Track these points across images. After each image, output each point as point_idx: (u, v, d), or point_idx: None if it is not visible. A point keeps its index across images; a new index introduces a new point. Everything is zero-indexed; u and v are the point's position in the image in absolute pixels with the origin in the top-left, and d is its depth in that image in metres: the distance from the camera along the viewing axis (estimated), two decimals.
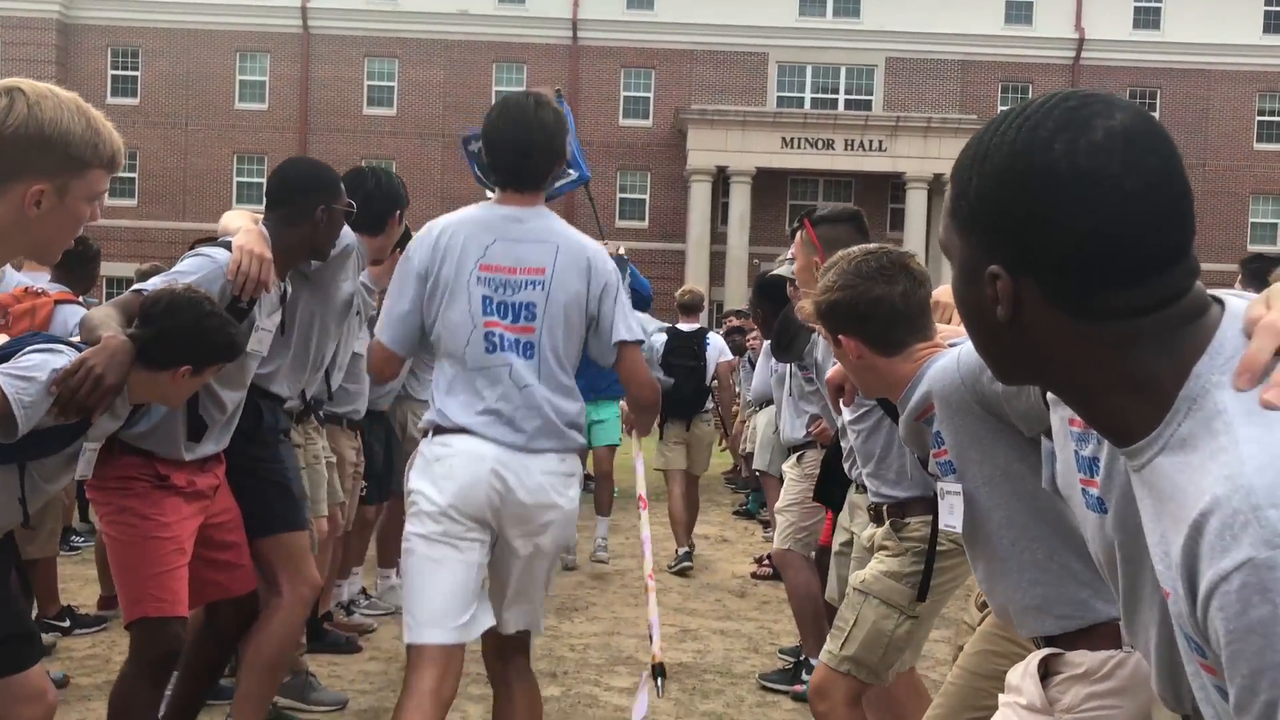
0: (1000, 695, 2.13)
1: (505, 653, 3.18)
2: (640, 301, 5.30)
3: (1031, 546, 2.09)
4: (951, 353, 2.20)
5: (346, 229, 3.69)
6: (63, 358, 2.60)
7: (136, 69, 31.65)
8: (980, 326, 1.17)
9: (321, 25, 31.59)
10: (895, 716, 3.37)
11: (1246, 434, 0.98)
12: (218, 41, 31.53)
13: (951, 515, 2.17)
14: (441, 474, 2.96)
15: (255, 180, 31.59)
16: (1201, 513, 0.97)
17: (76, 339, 2.81)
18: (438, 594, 2.94)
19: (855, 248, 2.60)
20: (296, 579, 3.54)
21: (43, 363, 2.56)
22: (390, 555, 6.15)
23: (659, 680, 3.89)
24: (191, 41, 31.42)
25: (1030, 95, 32.18)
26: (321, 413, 4.66)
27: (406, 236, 4.00)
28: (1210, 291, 1.13)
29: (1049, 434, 1.44)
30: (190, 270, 3.18)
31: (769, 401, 6.77)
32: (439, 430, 3.02)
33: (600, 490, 7.82)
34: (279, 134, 31.46)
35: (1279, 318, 1.03)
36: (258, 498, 3.49)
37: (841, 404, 2.92)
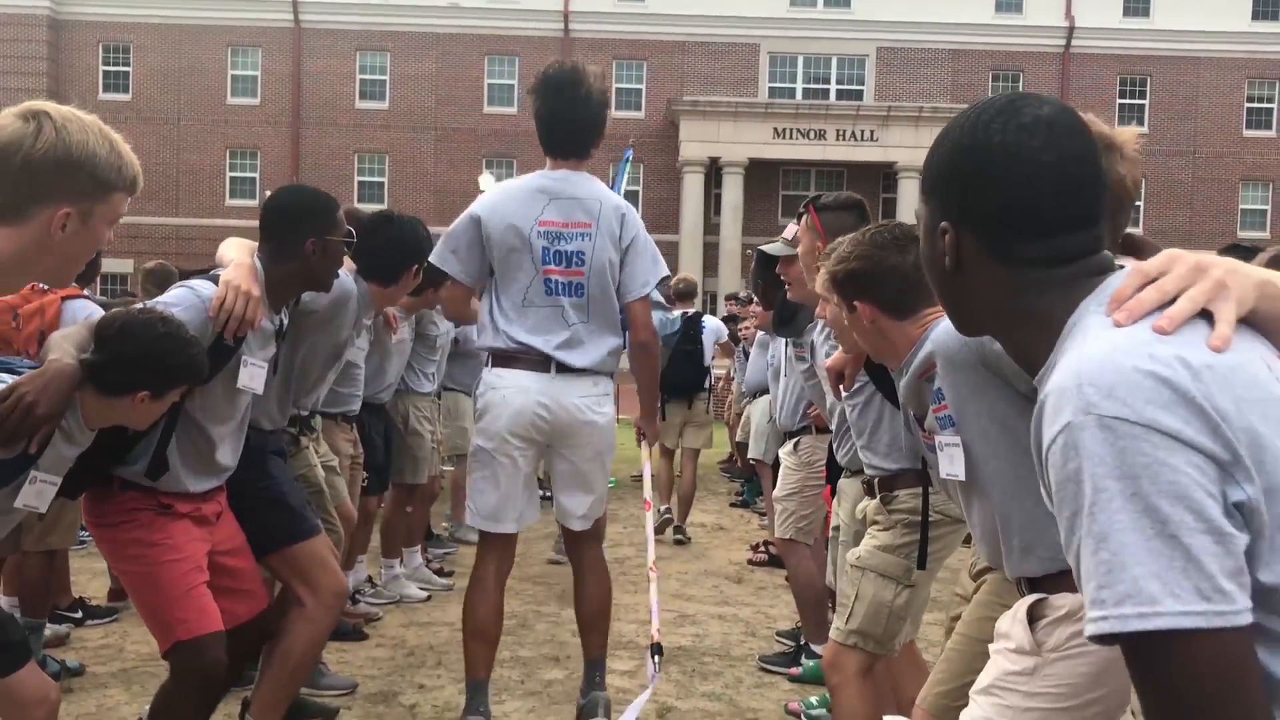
0: (990, 645, 2.24)
1: (580, 543, 4.03)
2: None
3: (1020, 494, 2.20)
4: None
5: (346, 279, 3.60)
6: None
7: (128, 65, 31.61)
8: (937, 280, 1.48)
9: (313, 19, 31.59)
10: (896, 689, 3.49)
11: (1094, 339, 1.24)
12: (209, 36, 31.51)
13: (952, 465, 2.32)
14: (496, 402, 3.78)
15: (248, 175, 31.63)
16: (1045, 394, 1.23)
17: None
18: (494, 496, 3.84)
19: (864, 231, 2.81)
20: (316, 588, 3.49)
21: None
22: (394, 545, 6.27)
23: (656, 658, 4.09)
24: (183, 36, 31.39)
25: (1021, 84, 32.28)
26: (316, 423, 4.64)
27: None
28: (1120, 260, 1.37)
29: None
30: (173, 303, 3.03)
31: (764, 391, 6.91)
32: (497, 358, 3.79)
33: None
34: (271, 129, 31.49)
35: (1149, 265, 1.29)
36: (254, 518, 3.42)
37: (838, 390, 3.14)
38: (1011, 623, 2.19)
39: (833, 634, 3.27)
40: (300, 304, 3.47)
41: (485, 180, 27.25)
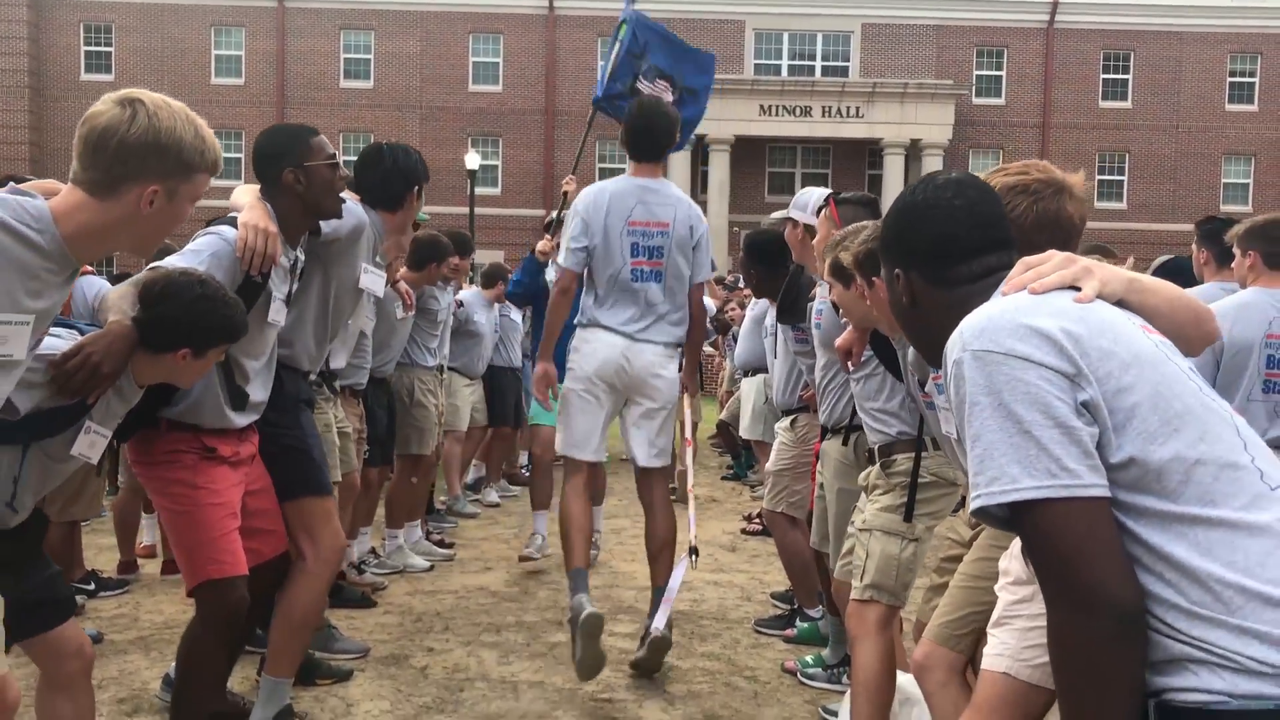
0: (995, 585, 2.48)
1: (650, 481, 4.77)
2: None
3: None
4: None
5: (357, 208, 3.78)
6: (64, 342, 2.62)
7: (110, 45, 31.46)
8: (904, 322, 1.91)
9: None
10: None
11: (982, 308, 1.62)
12: (192, 16, 31.39)
13: (947, 424, 2.59)
14: (587, 353, 4.62)
15: (233, 155, 31.43)
16: (946, 346, 1.61)
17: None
18: (581, 427, 4.66)
19: (865, 223, 3.23)
20: (318, 542, 3.65)
21: (50, 345, 2.56)
22: (398, 517, 6.40)
23: (693, 557, 4.83)
24: (165, 16, 31.27)
25: (1006, 59, 32.33)
26: (336, 384, 4.87)
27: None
28: None
29: None
30: (202, 249, 3.19)
31: (757, 369, 7.03)
32: (591, 324, 4.64)
33: (538, 482, 6.70)
34: (256, 109, 31.38)
35: (1032, 259, 1.69)
36: (278, 463, 3.60)
37: (847, 365, 3.50)
38: (1009, 559, 2.46)
39: (851, 594, 3.50)
40: (321, 236, 3.62)
41: (471, 159, 27.35)
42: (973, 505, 1.48)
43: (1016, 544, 2.46)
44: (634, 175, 4.68)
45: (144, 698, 4.09)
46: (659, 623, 4.44)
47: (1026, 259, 1.69)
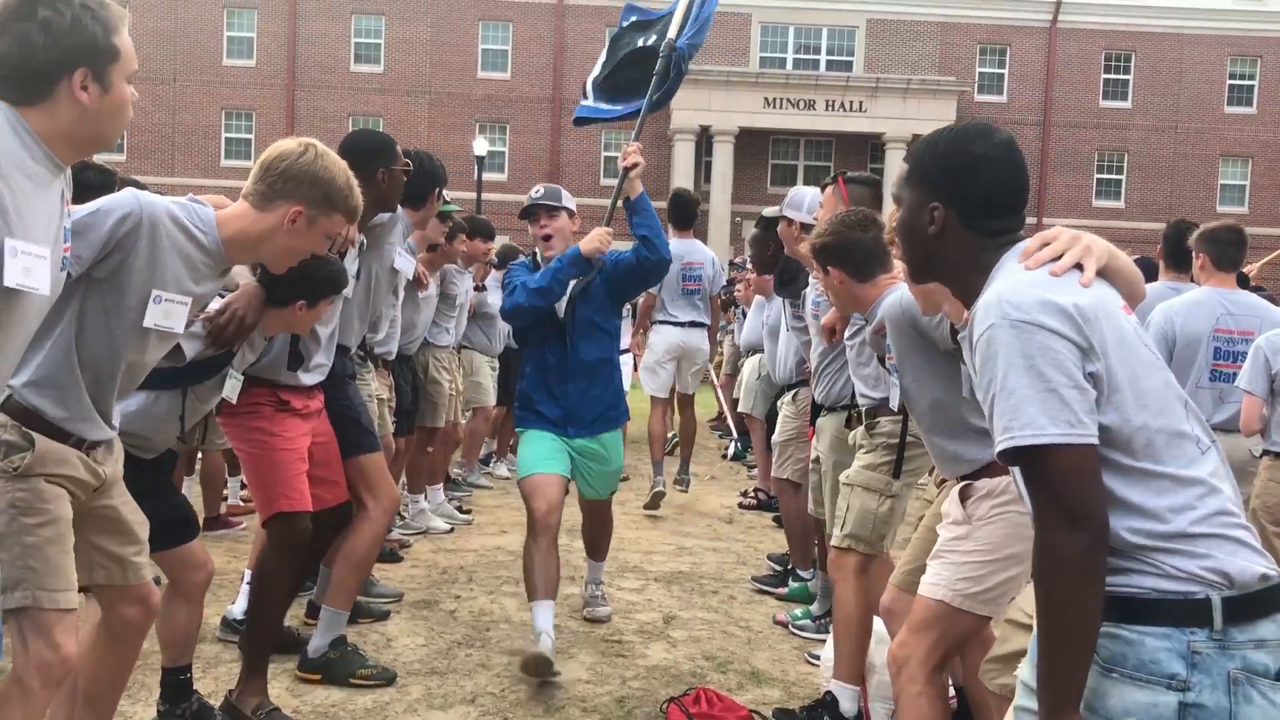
0: (937, 526, 2.97)
1: (687, 407, 8.71)
2: None
3: (949, 419, 3.11)
4: (898, 292, 3.31)
5: None
6: (217, 301, 3.27)
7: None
8: (914, 241, 2.15)
9: None
10: (876, 593, 4.16)
11: (1012, 274, 1.95)
12: None
13: (893, 398, 3.25)
14: (657, 341, 8.25)
15: (243, 136, 31.94)
16: (976, 306, 1.94)
17: None
18: (656, 382, 8.30)
19: (842, 212, 3.70)
20: (377, 493, 4.27)
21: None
22: (418, 483, 6.91)
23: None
24: None
25: (1009, 58, 32.48)
26: (374, 355, 5.38)
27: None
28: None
29: (959, 352, 2.29)
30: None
31: (757, 350, 7.59)
32: (660, 322, 8.24)
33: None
34: (266, 91, 31.77)
35: (1044, 234, 2.01)
36: (335, 429, 4.17)
37: (830, 341, 4.08)
38: (949, 503, 2.96)
39: (832, 541, 3.98)
40: (371, 224, 4.21)
41: (479, 145, 27.76)
42: (1001, 446, 1.82)
43: (953, 490, 3.02)
44: (677, 238, 8.03)
45: (205, 631, 4.59)
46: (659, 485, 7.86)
47: (1042, 234, 2.02)
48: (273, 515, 3.80)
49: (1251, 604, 1.78)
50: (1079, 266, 1.96)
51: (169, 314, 2.62)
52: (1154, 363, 1.93)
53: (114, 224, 2.52)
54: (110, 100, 2.21)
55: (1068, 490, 1.77)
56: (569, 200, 4.89)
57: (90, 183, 3.25)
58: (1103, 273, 2.00)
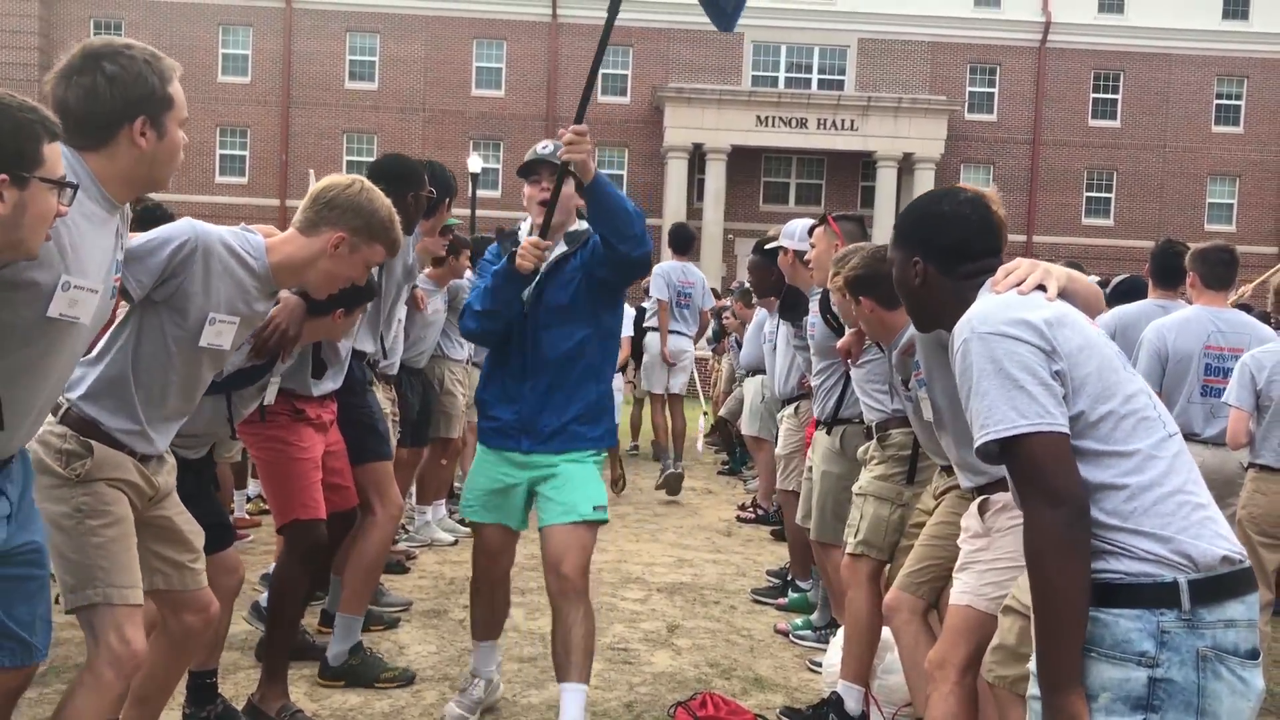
0: (958, 539, 3.11)
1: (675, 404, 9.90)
2: None
3: (967, 433, 3.06)
4: None
5: None
6: None
7: None
8: (907, 294, 2.53)
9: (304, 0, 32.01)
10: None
11: (978, 302, 2.24)
12: (200, 14, 31.85)
13: (925, 412, 3.32)
14: (672, 340, 9.71)
15: (238, 153, 32.07)
16: (955, 329, 2.20)
17: None
18: (656, 376, 9.89)
19: (864, 244, 3.93)
20: (385, 499, 4.43)
21: None
22: (428, 494, 7.02)
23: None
24: (174, 14, 31.72)
25: (999, 77, 32.83)
26: (379, 368, 5.49)
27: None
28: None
29: None
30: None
31: (758, 370, 7.77)
32: (656, 330, 9.70)
33: None
34: (261, 108, 31.91)
35: (1010, 265, 2.31)
36: (351, 435, 4.33)
37: (847, 363, 4.19)
38: (969, 516, 3.10)
39: (846, 548, 4.13)
40: None
41: (473, 162, 27.93)
42: (979, 441, 2.04)
43: (974, 505, 3.13)
44: (675, 260, 9.80)
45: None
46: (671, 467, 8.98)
47: (1006, 266, 2.31)
48: (288, 522, 3.93)
49: (1217, 586, 1.95)
50: (1041, 288, 2.23)
51: (220, 333, 2.81)
52: (1115, 358, 2.14)
53: (171, 251, 2.71)
54: (165, 146, 2.42)
55: (1043, 474, 1.96)
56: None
57: (153, 216, 3.68)
58: (1063, 293, 2.23)
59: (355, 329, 4.18)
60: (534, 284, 3.72)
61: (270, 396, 3.68)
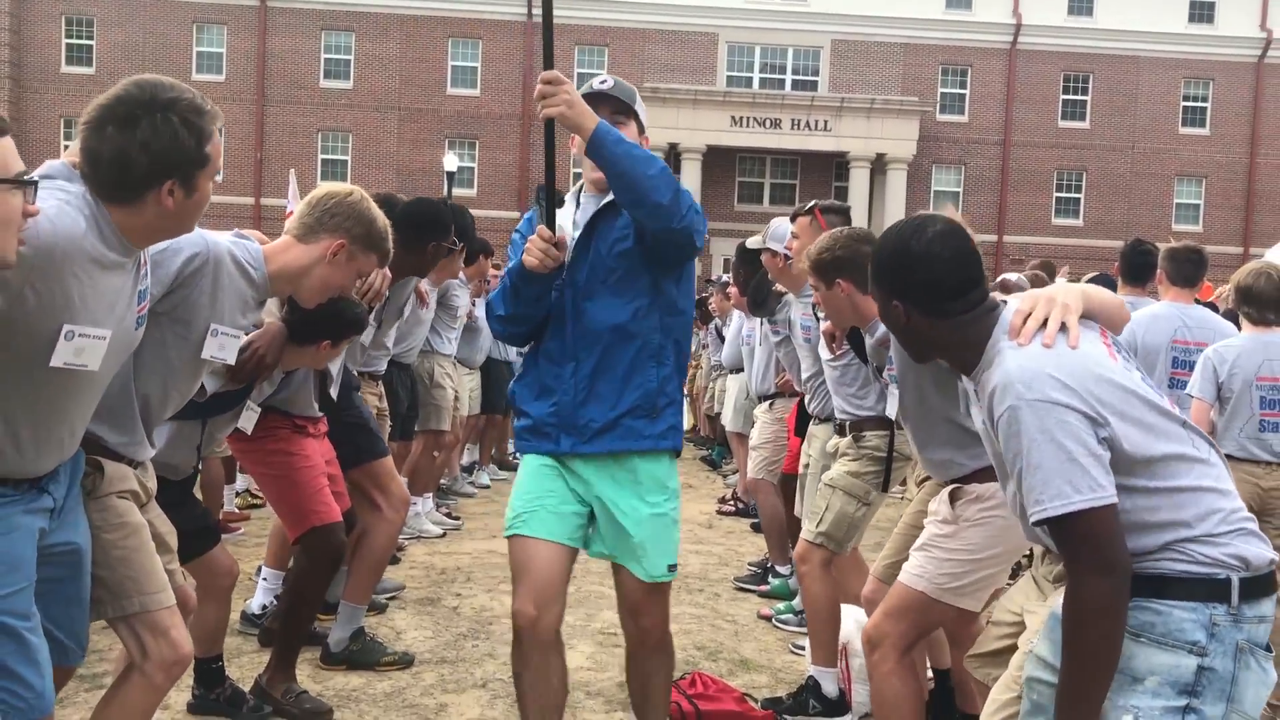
0: (924, 520, 3.22)
1: None
2: None
3: (939, 426, 3.25)
4: None
5: None
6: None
7: (91, 38, 31.71)
8: (895, 331, 2.44)
9: None
10: (843, 584, 4.45)
11: (1009, 357, 2.17)
12: (174, 12, 31.69)
13: (891, 406, 3.42)
14: None
15: None
16: (991, 389, 2.17)
17: None
18: None
19: (842, 228, 3.84)
20: (389, 495, 4.53)
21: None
22: (417, 488, 7.14)
23: None
24: (147, 11, 31.54)
25: (970, 79, 33.04)
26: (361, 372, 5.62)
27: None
28: (998, 297, 2.38)
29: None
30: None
31: (738, 369, 7.98)
32: None
33: None
34: (236, 106, 31.74)
35: (1021, 305, 2.23)
36: (347, 437, 4.42)
37: (832, 347, 4.16)
38: (938, 502, 3.21)
39: (803, 535, 4.24)
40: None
41: (449, 161, 27.98)
42: (1036, 517, 2.06)
43: (945, 491, 3.25)
44: None
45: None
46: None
47: (1018, 308, 2.23)
48: (305, 531, 3.96)
49: (1260, 585, 2.11)
50: (1063, 327, 2.19)
51: (223, 346, 2.76)
52: (1150, 397, 2.15)
53: (182, 263, 2.65)
54: (193, 202, 2.32)
55: (1096, 546, 2.04)
56: (643, 111, 3.26)
57: None
58: (1085, 315, 2.25)
59: (340, 360, 4.23)
60: (564, 268, 3.03)
61: (248, 424, 3.60)
